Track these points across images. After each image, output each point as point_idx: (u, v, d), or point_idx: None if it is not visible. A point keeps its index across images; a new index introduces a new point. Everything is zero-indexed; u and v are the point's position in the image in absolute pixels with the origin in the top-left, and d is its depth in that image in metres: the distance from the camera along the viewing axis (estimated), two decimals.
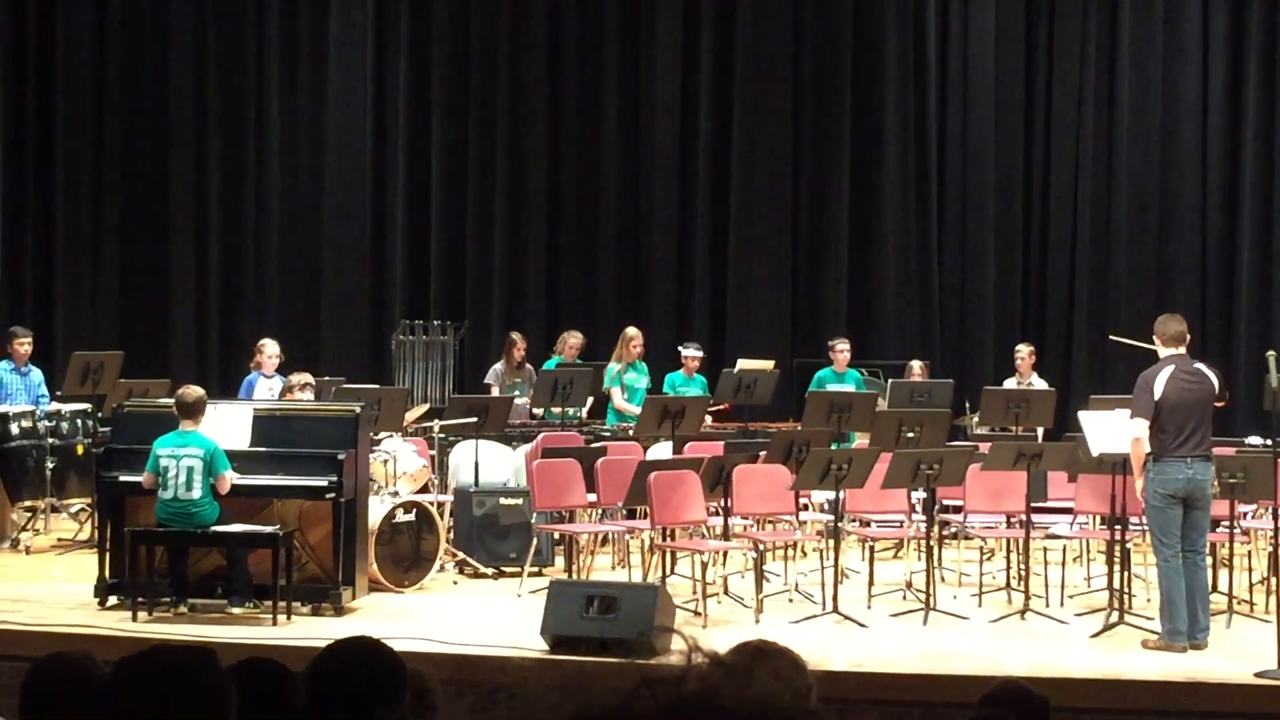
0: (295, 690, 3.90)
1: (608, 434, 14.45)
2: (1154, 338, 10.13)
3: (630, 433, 13.99)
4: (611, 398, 15.22)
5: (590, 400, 15.12)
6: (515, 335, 15.65)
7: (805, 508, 12.65)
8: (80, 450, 13.66)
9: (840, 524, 11.30)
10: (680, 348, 15.64)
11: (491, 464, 13.15)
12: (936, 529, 11.97)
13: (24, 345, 14.30)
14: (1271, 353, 10.21)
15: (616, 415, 15.15)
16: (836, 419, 13.15)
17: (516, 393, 14.81)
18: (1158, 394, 9.77)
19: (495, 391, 14.98)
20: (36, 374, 14.44)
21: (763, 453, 12.25)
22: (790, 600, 11.42)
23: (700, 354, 15.45)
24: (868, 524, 12.55)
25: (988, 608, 11.28)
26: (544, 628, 9.58)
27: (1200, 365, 10.16)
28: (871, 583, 11.44)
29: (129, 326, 18.45)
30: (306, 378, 12.78)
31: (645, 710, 1.75)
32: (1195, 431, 9.81)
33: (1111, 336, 9.98)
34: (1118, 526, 10.71)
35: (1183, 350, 10.01)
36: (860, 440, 13.45)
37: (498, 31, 18.57)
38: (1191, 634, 9.79)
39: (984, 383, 15.37)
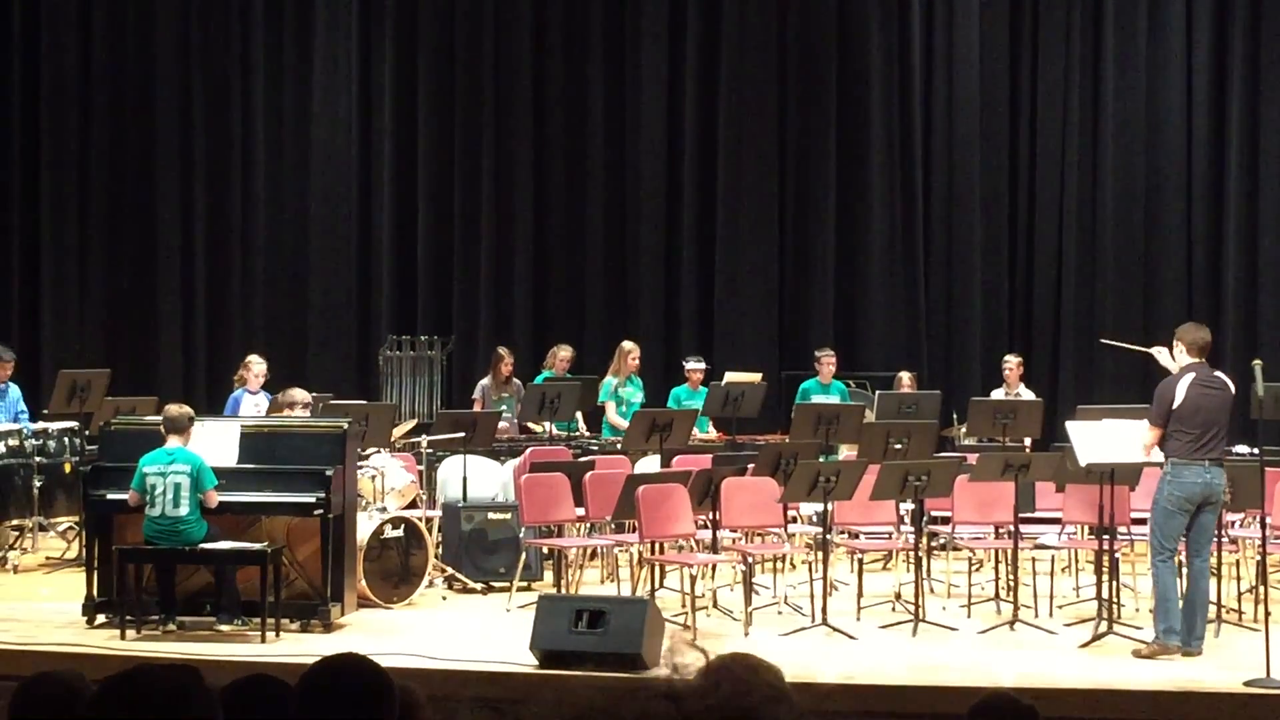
0: (285, 707, 3.89)
1: (595, 448, 14.44)
2: (1177, 344, 10.10)
3: (619, 446, 13.98)
4: (606, 412, 15.20)
5: (579, 414, 15.10)
6: (502, 350, 15.62)
7: (794, 520, 12.65)
8: (68, 468, 13.64)
9: (829, 536, 11.30)
10: (684, 361, 15.67)
11: (479, 479, 13.16)
12: (925, 540, 11.97)
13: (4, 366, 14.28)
14: (1257, 361, 10.28)
15: (610, 429, 15.13)
16: (824, 431, 13.15)
17: (504, 408, 14.78)
18: (1178, 401, 9.83)
19: (480, 407, 14.95)
20: (14, 391, 14.40)
21: (750, 465, 12.24)
22: (779, 613, 11.40)
23: (704, 366, 15.50)
24: (856, 536, 12.55)
25: (977, 619, 11.27)
26: (533, 642, 9.57)
27: (1219, 373, 10.23)
28: (860, 594, 11.46)
29: (116, 344, 18.41)
30: (305, 396, 12.65)
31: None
32: (1215, 437, 9.90)
33: (1102, 340, 10.03)
34: (1106, 536, 10.71)
35: (1203, 360, 10.04)
36: (847, 452, 13.44)
37: (482, 47, 18.57)
38: (1188, 641, 9.81)
39: (971, 394, 15.37)
